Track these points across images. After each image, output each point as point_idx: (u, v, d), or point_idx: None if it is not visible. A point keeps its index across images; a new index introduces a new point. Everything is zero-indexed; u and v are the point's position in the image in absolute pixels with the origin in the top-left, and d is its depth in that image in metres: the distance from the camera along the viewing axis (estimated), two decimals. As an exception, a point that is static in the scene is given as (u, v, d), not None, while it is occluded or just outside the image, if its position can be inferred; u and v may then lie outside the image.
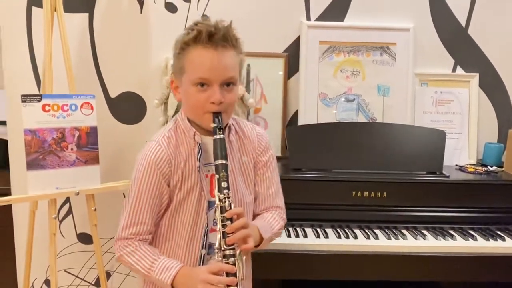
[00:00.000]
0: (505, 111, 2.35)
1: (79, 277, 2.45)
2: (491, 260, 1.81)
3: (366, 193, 1.94)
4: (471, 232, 1.91)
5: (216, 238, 1.25)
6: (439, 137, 2.04)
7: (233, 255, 1.22)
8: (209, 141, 1.31)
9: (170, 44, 2.19)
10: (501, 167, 2.16)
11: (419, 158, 2.02)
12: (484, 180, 2.03)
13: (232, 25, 1.28)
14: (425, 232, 1.90)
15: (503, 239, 1.86)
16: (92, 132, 1.94)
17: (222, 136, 1.26)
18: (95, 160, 1.96)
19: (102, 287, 2.16)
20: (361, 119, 2.27)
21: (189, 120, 1.36)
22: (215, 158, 1.25)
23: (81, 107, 1.92)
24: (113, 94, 2.28)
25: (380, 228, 1.92)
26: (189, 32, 1.25)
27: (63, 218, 2.37)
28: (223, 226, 1.23)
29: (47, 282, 2.39)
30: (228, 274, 1.22)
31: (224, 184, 1.24)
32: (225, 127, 1.35)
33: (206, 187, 1.34)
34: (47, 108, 1.84)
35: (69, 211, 2.37)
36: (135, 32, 2.23)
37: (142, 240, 1.34)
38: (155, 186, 1.32)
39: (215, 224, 1.29)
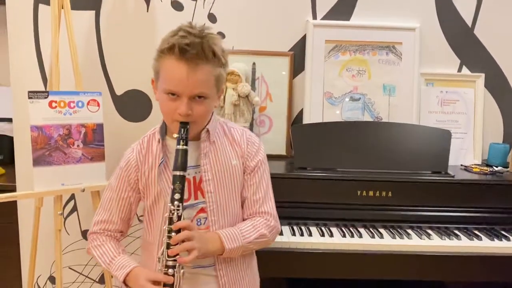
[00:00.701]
0: (510, 112, 2.35)
1: (83, 274, 2.45)
2: (496, 260, 1.80)
3: (371, 192, 1.94)
4: (476, 232, 1.91)
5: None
6: (445, 137, 2.04)
7: (173, 267, 1.25)
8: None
9: None
10: (506, 167, 2.15)
11: (424, 157, 2.02)
12: (489, 180, 2.03)
13: (213, 37, 1.27)
14: (430, 231, 1.90)
15: (508, 239, 1.86)
16: (98, 129, 1.95)
17: (184, 147, 1.27)
18: (101, 157, 1.96)
19: (106, 285, 2.17)
20: (367, 118, 2.27)
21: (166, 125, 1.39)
22: (174, 169, 1.27)
23: (88, 104, 1.93)
24: (119, 91, 2.29)
25: (385, 227, 1.92)
26: (167, 41, 1.26)
27: (68, 215, 2.38)
28: (169, 237, 1.25)
29: (51, 279, 2.40)
30: (165, 285, 1.25)
31: (176, 196, 1.25)
32: (202, 130, 1.37)
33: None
34: (53, 104, 1.85)
35: (74, 208, 2.38)
36: (141, 30, 2.24)
37: (110, 236, 1.43)
38: (123, 190, 1.41)
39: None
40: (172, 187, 1.26)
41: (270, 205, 1.45)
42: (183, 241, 1.25)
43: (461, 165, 2.22)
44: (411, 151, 2.02)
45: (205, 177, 1.37)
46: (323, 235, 1.84)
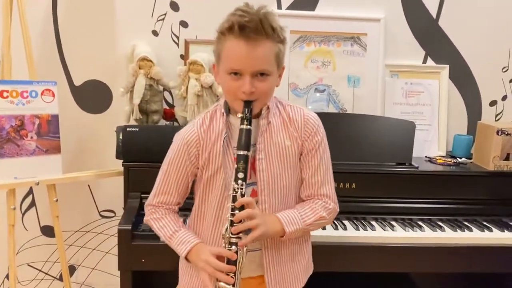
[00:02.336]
0: (474, 103, 2.37)
1: (42, 271, 2.38)
2: (459, 251, 1.81)
3: (335, 184, 1.91)
4: (440, 223, 1.91)
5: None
6: (409, 128, 2.04)
7: (237, 244, 1.26)
8: None
9: (137, 30, 2.19)
10: (470, 158, 2.16)
11: (388, 149, 2.01)
12: (453, 171, 2.04)
13: (270, 14, 1.27)
14: (393, 223, 1.89)
15: (471, 230, 1.86)
16: (53, 120, 1.89)
17: (248, 127, 1.28)
18: (56, 149, 1.90)
19: (64, 282, 2.11)
20: (331, 110, 2.25)
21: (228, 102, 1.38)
22: (238, 148, 1.28)
23: (42, 94, 1.86)
24: (77, 82, 2.22)
25: (348, 219, 1.91)
26: (227, 21, 1.26)
27: (26, 210, 2.31)
28: (232, 215, 1.26)
29: (9, 276, 2.32)
30: (229, 261, 1.26)
31: (240, 175, 1.26)
32: (262, 108, 1.36)
33: (231, 170, 1.34)
34: (5, 94, 1.78)
35: (32, 203, 2.31)
36: (101, 18, 2.18)
37: (169, 209, 1.43)
38: (182, 164, 1.38)
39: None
40: (236, 166, 1.27)
41: (328, 188, 1.44)
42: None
43: (426, 156, 2.22)
44: (376, 142, 2.01)
45: (259, 155, 1.36)
46: (286, 227, 1.81)
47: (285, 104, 1.43)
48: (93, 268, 2.41)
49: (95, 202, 2.33)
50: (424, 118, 2.29)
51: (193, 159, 1.38)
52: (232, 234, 1.25)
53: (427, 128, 2.29)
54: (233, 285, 1.25)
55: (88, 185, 2.29)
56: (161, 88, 2.11)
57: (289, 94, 2.24)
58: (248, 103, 1.28)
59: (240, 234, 1.26)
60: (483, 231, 1.86)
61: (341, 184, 1.92)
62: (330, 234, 1.79)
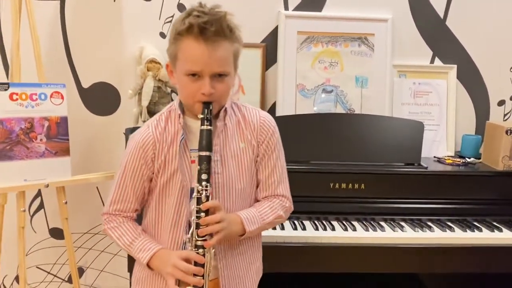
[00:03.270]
0: (482, 103, 2.36)
1: (51, 274, 2.39)
2: (469, 251, 1.80)
3: (344, 185, 1.92)
4: (449, 223, 1.90)
5: None
6: (417, 128, 2.03)
7: (203, 247, 1.25)
8: (199, 125, 1.30)
9: (145, 32, 2.19)
10: (479, 158, 2.15)
11: (397, 149, 2.00)
12: (462, 171, 2.03)
13: (227, 14, 1.26)
14: (403, 223, 1.89)
15: (480, 230, 1.85)
16: (62, 123, 1.89)
17: (208, 127, 1.27)
18: (65, 151, 1.90)
19: (73, 284, 2.11)
20: (339, 110, 2.25)
21: (182, 104, 1.36)
22: (200, 149, 1.27)
23: (51, 96, 1.86)
24: (85, 84, 2.23)
25: (358, 220, 1.90)
26: (184, 22, 1.24)
27: (35, 213, 2.31)
28: (197, 217, 1.25)
29: (18, 278, 2.32)
30: (196, 264, 1.25)
31: (204, 176, 1.25)
32: (220, 110, 1.35)
33: (189, 173, 1.34)
34: (14, 97, 1.79)
35: (41, 205, 2.31)
36: (108, 21, 2.18)
37: (127, 217, 1.39)
38: (138, 168, 1.35)
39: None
40: (198, 167, 1.26)
41: (284, 187, 1.45)
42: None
43: (434, 156, 2.21)
44: (384, 143, 2.01)
45: (214, 157, 1.34)
46: (295, 228, 1.81)
47: (240, 106, 1.43)
48: (102, 270, 2.41)
49: (103, 204, 2.32)
50: (432, 118, 2.28)
51: (149, 162, 1.35)
52: (198, 236, 1.24)
53: (435, 128, 2.28)
54: (202, 287, 1.25)
55: (97, 187, 2.30)
56: (169, 90, 2.11)
57: (297, 95, 2.23)
58: (207, 104, 1.27)
59: (206, 236, 1.25)
60: (493, 231, 1.85)
61: (350, 185, 1.92)
62: (340, 235, 1.78)
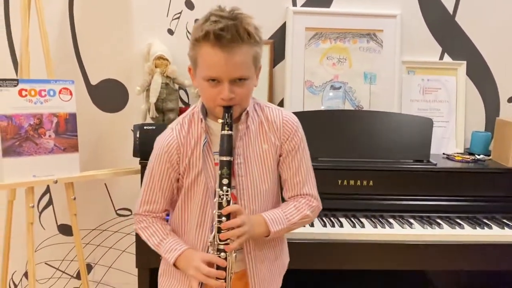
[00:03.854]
0: (492, 100, 2.33)
1: (60, 270, 2.40)
2: (478, 249, 1.79)
3: (352, 182, 1.91)
4: (458, 220, 1.89)
5: None
6: (426, 125, 2.01)
7: (225, 250, 1.26)
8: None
9: (153, 29, 2.19)
10: (488, 155, 2.14)
11: (406, 146, 1.99)
12: (471, 168, 2.02)
13: (245, 17, 1.25)
14: (411, 220, 1.88)
15: (490, 227, 1.84)
16: (71, 119, 1.89)
17: (229, 132, 1.27)
18: (74, 147, 1.91)
19: (82, 280, 2.12)
20: (348, 107, 2.24)
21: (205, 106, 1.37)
22: (220, 154, 1.28)
23: (60, 92, 1.87)
24: (94, 81, 2.23)
25: (366, 216, 1.90)
26: (201, 29, 1.24)
27: (43, 209, 2.32)
28: (219, 221, 1.26)
29: (27, 274, 2.33)
30: (219, 267, 1.26)
31: (224, 181, 1.26)
32: (242, 113, 1.35)
33: (212, 175, 1.35)
34: (23, 93, 1.79)
35: (50, 202, 2.32)
36: (116, 17, 2.18)
37: (156, 217, 1.42)
38: (164, 171, 1.38)
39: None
40: (219, 172, 1.27)
41: (311, 186, 1.44)
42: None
43: (443, 153, 2.20)
44: (393, 139, 2.00)
45: (238, 160, 1.35)
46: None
47: (263, 106, 1.42)
48: (110, 267, 2.41)
49: (111, 201, 2.34)
50: (442, 115, 2.27)
51: (175, 165, 1.37)
52: (220, 240, 1.25)
53: (444, 125, 2.26)
54: None
55: (105, 184, 2.30)
56: (176, 86, 2.11)
57: (305, 91, 2.23)
58: (228, 108, 1.27)
59: (228, 240, 1.26)
60: (503, 228, 1.84)
61: (358, 181, 1.91)
62: (348, 231, 1.78)
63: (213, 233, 1.27)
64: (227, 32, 1.20)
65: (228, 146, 1.27)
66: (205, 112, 1.37)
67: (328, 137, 1.98)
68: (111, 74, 2.23)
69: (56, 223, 2.34)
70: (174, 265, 1.35)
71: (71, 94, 1.89)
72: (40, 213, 2.32)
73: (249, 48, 1.25)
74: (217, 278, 1.26)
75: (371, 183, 1.92)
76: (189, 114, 1.40)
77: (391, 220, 1.87)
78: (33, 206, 1.87)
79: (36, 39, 1.91)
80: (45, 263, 2.37)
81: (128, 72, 2.22)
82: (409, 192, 1.94)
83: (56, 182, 1.86)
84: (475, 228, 1.83)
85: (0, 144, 1.77)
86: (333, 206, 1.91)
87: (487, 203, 1.96)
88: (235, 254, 1.29)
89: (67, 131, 1.89)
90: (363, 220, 1.86)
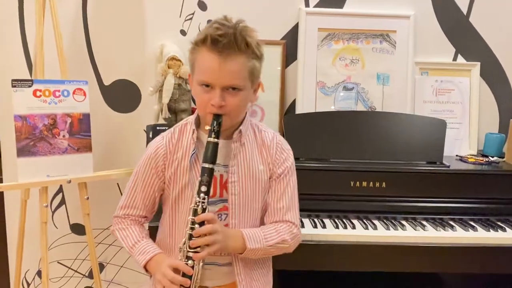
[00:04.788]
0: (506, 101, 2.31)
1: (72, 269, 2.41)
2: (492, 251, 1.77)
3: (364, 183, 1.90)
4: (472, 223, 1.87)
5: None
6: (440, 126, 2.00)
7: (193, 258, 1.25)
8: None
9: (166, 30, 2.20)
10: (502, 157, 2.12)
11: (419, 147, 1.98)
12: (485, 170, 1.99)
13: (247, 29, 1.27)
14: (424, 222, 1.86)
15: (504, 230, 1.82)
16: (84, 119, 1.90)
17: (215, 140, 1.27)
18: (87, 147, 1.92)
19: (94, 279, 2.13)
20: (360, 108, 2.23)
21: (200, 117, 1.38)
22: (203, 161, 1.28)
23: (74, 93, 1.88)
24: (107, 81, 2.24)
25: (378, 218, 1.88)
26: (202, 32, 1.28)
27: (56, 208, 2.34)
28: (191, 228, 1.25)
29: (39, 273, 2.35)
30: (185, 275, 1.25)
31: (203, 188, 1.26)
32: (235, 130, 1.36)
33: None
34: (38, 93, 1.81)
35: (62, 201, 2.33)
36: (130, 18, 2.19)
37: (134, 220, 1.44)
38: (149, 177, 1.40)
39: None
40: (199, 178, 1.27)
41: (293, 214, 1.43)
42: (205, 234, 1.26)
43: (457, 155, 2.19)
44: (406, 141, 1.98)
45: (231, 178, 1.36)
46: (315, 226, 1.80)
47: (261, 129, 1.43)
48: (122, 266, 2.43)
49: (123, 201, 2.34)
50: (455, 116, 2.25)
51: (160, 172, 1.38)
52: (190, 248, 1.25)
53: (457, 126, 2.25)
54: None
55: (117, 184, 2.31)
56: (189, 87, 2.11)
57: (317, 92, 2.22)
58: (217, 116, 1.27)
59: (198, 248, 1.25)
60: (518, 231, 1.83)
61: (371, 183, 1.89)
62: (360, 233, 1.77)
63: (184, 239, 1.26)
64: (225, 37, 1.22)
65: (212, 154, 1.27)
66: (198, 124, 1.38)
67: (340, 138, 1.97)
68: (124, 74, 2.24)
69: (69, 222, 2.36)
70: (145, 268, 1.35)
71: (84, 94, 1.90)
72: (53, 212, 2.33)
73: (245, 60, 1.26)
74: (182, 286, 1.24)
75: (383, 184, 1.90)
76: (182, 123, 1.41)
77: (403, 222, 1.85)
78: (46, 206, 1.89)
79: (50, 40, 1.93)
80: (58, 262, 2.39)
81: (141, 72, 2.23)
82: (422, 194, 1.92)
83: (69, 182, 1.87)
84: (489, 231, 1.81)
85: (15, 144, 1.78)
86: (345, 208, 1.90)
87: (501, 205, 1.94)
88: (202, 264, 1.27)
89: (80, 131, 1.90)
90: (375, 222, 1.85)
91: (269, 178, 1.42)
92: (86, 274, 2.42)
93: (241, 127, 1.37)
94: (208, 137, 1.27)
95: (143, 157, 1.41)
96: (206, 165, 1.26)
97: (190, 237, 1.25)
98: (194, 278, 1.25)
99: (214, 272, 1.40)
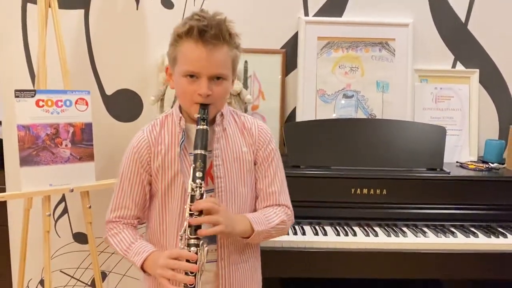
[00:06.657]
0: (505, 108, 2.32)
1: (74, 278, 2.42)
2: (493, 257, 1.78)
3: (365, 190, 1.91)
4: (472, 229, 1.88)
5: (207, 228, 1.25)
6: (439, 133, 2.02)
7: (196, 245, 1.22)
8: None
9: (167, 40, 2.17)
10: (502, 164, 2.13)
11: (419, 154, 1.99)
12: (485, 176, 2.00)
13: (227, 20, 1.29)
14: (425, 229, 1.87)
15: (505, 236, 1.83)
16: (87, 129, 1.92)
17: (205, 127, 1.28)
18: (90, 157, 1.94)
19: None
20: (360, 115, 2.24)
21: (181, 108, 1.38)
22: (195, 148, 1.27)
23: (76, 103, 1.90)
24: (109, 91, 2.26)
25: (379, 225, 1.89)
26: (184, 25, 1.27)
27: (59, 217, 2.35)
28: (191, 215, 1.23)
29: (42, 282, 2.36)
30: (188, 262, 1.21)
31: (198, 174, 1.24)
32: (217, 114, 1.37)
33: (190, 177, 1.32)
34: (41, 103, 1.83)
35: (65, 210, 2.34)
36: (131, 29, 2.21)
37: (127, 224, 1.40)
38: (135, 172, 1.37)
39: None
40: (193, 165, 1.25)
41: (285, 197, 1.45)
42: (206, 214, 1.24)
43: (457, 162, 2.20)
44: (406, 148, 2.00)
45: (216, 161, 1.35)
46: (317, 233, 1.81)
47: (240, 115, 1.45)
48: (124, 275, 2.43)
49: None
50: (455, 123, 2.26)
51: (146, 165, 1.36)
52: (190, 235, 1.21)
53: (457, 133, 2.26)
54: (194, 287, 1.20)
55: (119, 192, 2.32)
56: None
57: (317, 100, 2.24)
58: (204, 105, 1.28)
59: (199, 230, 1.22)
60: (518, 237, 1.83)
61: (372, 190, 1.90)
62: (362, 240, 1.78)
63: (184, 227, 1.23)
64: (211, 28, 1.23)
65: (203, 141, 1.27)
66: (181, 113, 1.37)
67: (341, 146, 1.98)
68: (126, 84, 2.26)
69: (71, 231, 2.37)
70: (143, 269, 1.31)
71: (87, 104, 1.92)
72: (56, 221, 2.35)
73: (229, 50, 1.29)
74: (186, 274, 1.19)
75: (384, 191, 1.91)
76: (162, 116, 1.42)
77: (404, 229, 1.86)
78: (49, 215, 1.90)
79: (53, 50, 1.95)
80: (60, 271, 2.39)
81: (142, 82, 2.25)
82: (423, 200, 1.93)
83: (72, 191, 1.89)
84: (490, 237, 1.82)
85: (18, 153, 1.80)
86: (346, 215, 1.91)
87: (501, 212, 1.95)
88: (206, 248, 1.23)
89: (83, 140, 1.91)
90: (376, 229, 1.86)
91: (254, 163, 1.42)
92: (89, 283, 2.42)
93: (223, 111, 1.38)
94: (198, 125, 1.28)
95: (126, 153, 1.39)
96: (199, 151, 1.25)
97: (190, 225, 1.22)
98: (200, 264, 1.21)
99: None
